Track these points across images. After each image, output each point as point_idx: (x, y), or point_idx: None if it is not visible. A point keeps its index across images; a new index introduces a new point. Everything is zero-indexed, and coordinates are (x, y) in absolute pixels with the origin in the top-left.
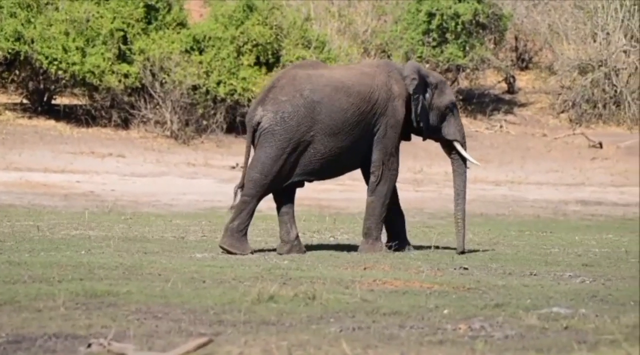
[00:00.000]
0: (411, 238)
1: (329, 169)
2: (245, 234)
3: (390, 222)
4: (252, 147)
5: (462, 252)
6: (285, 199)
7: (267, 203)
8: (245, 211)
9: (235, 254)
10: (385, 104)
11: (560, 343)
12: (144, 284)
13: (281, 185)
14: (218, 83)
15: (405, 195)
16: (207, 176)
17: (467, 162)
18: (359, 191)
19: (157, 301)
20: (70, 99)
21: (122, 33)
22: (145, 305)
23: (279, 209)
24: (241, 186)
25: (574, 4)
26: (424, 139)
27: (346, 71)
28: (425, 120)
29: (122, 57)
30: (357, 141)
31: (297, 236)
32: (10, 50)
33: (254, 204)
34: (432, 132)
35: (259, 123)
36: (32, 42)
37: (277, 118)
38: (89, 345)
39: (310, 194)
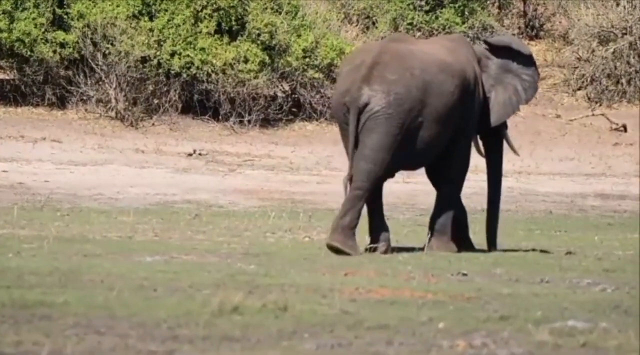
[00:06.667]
0: (401, 238)
1: (424, 160)
2: (355, 232)
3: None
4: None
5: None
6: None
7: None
8: (357, 207)
9: (346, 253)
10: (474, 88)
11: None
12: (83, 292)
13: (389, 176)
14: (172, 54)
15: (394, 188)
16: (158, 165)
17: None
18: (339, 183)
19: (100, 313)
20: None
21: None
22: (85, 318)
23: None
24: (351, 178)
25: None
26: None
27: (435, 46)
28: None
29: (57, 24)
30: (449, 130)
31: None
32: None
33: (366, 197)
34: None
35: (366, 104)
36: None
37: (389, 99)
38: None
39: (281, 187)
